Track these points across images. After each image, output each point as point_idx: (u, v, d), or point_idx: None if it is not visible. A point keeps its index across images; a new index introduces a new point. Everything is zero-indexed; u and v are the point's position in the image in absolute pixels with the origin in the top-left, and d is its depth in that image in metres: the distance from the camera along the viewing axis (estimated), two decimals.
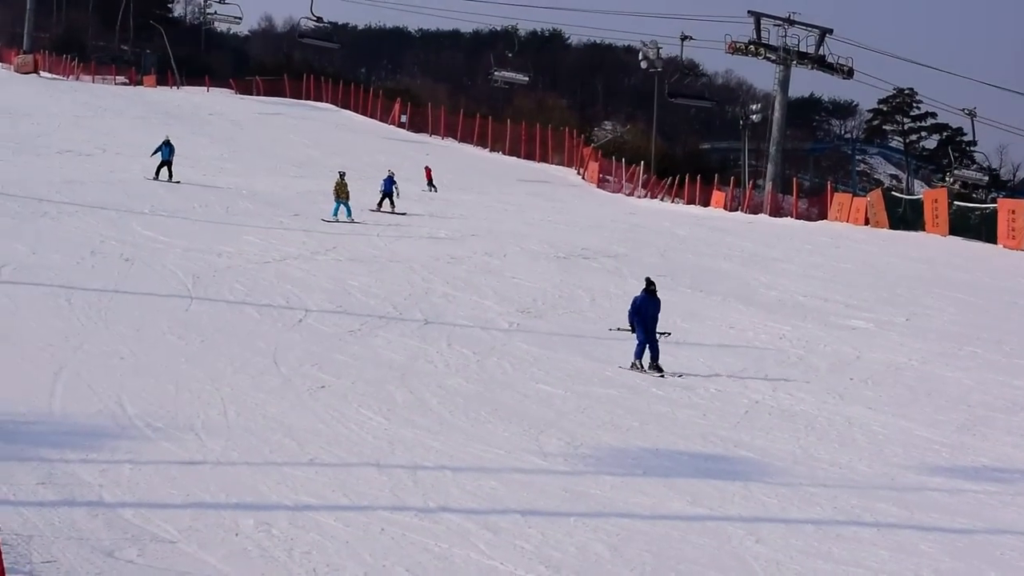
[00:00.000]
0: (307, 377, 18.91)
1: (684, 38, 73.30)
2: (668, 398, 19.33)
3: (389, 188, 41.82)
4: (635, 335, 21.60)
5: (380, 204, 41.62)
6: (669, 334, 22.17)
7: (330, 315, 24.09)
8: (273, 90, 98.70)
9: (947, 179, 74.95)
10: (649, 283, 22.13)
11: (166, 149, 44.14)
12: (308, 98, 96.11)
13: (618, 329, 22.43)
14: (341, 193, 38.64)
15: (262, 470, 13.90)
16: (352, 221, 37.76)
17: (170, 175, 43.73)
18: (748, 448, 16.57)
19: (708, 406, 18.98)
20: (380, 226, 37.58)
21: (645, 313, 21.60)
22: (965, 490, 15.12)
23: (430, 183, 51.65)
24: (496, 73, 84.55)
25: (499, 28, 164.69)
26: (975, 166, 76.19)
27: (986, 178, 78.62)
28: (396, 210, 41.45)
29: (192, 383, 17.80)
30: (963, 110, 70.72)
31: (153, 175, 43.67)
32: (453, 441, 15.80)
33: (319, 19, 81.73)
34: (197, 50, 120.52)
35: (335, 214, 38.15)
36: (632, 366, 21.23)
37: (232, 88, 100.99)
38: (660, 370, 21.03)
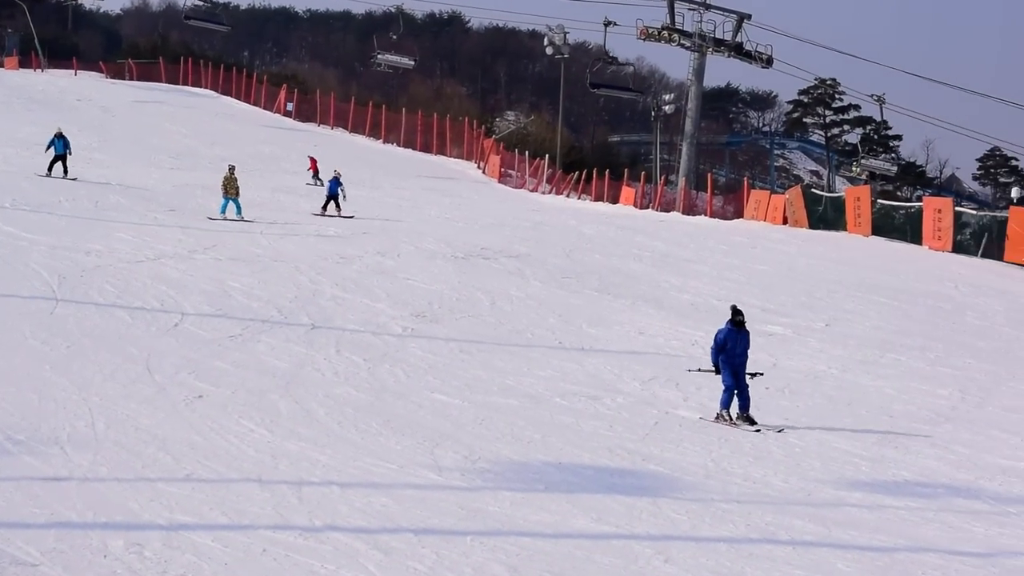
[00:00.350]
0: (183, 386, 18.79)
1: (607, 23, 73.59)
2: (572, 409, 19.43)
3: (335, 190, 41.33)
4: (720, 379, 19.24)
5: (325, 207, 41.16)
6: (761, 374, 19.96)
7: (209, 319, 23.95)
8: (147, 74, 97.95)
9: (854, 168, 76.10)
10: (736, 313, 19.36)
11: (59, 143, 43.44)
12: (186, 83, 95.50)
13: (699, 370, 20.76)
14: (230, 189, 38.16)
15: (133, 486, 13.80)
16: (242, 219, 37.40)
17: (65, 171, 43.20)
18: (657, 462, 16.71)
19: (615, 417, 19.11)
20: (263, 223, 37.38)
21: (732, 351, 19.02)
22: (886, 506, 15.35)
23: (316, 176, 51.61)
24: (379, 56, 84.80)
25: (392, 9, 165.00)
26: (884, 155, 77.04)
27: (895, 168, 79.30)
28: (343, 213, 40.94)
29: (57, 392, 17.62)
30: (872, 96, 71.86)
31: (46, 171, 42.96)
32: (341, 454, 15.79)
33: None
34: (64, 29, 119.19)
35: (223, 211, 37.80)
36: (717, 418, 19.11)
37: (102, 72, 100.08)
38: (753, 422, 18.88)
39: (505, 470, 15.71)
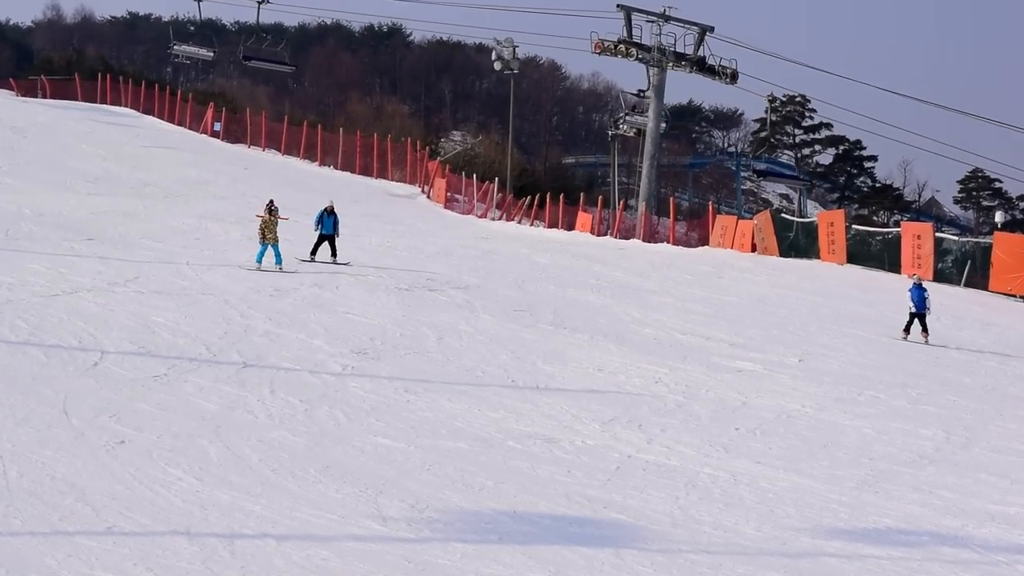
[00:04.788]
0: (104, 430, 18.65)
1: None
2: (527, 452, 19.40)
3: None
4: None
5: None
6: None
7: (131, 357, 23.81)
8: (62, 92, 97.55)
9: (620, 126, 75.39)
10: None
11: (328, 221, 38.07)
12: (104, 102, 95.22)
13: None
14: (268, 233, 35.61)
15: (50, 540, 13.68)
16: (281, 270, 35.23)
17: (333, 253, 37.69)
18: (620, 509, 16.69)
19: (573, 461, 19.09)
20: (189, 251, 37.23)
21: None
22: (867, 555, 15.37)
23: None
24: (176, 47, 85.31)
25: (328, 22, 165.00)
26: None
27: (665, 124, 76.08)
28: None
29: None
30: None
31: (309, 256, 37.77)
32: (277, 504, 15.71)
33: (265, 35, 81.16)
34: None
35: (259, 260, 35.51)
36: None
37: (12, 89, 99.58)
38: None
39: (455, 520, 15.65)
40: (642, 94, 75.71)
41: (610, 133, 78.54)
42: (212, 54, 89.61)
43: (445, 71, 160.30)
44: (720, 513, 16.83)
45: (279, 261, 35.43)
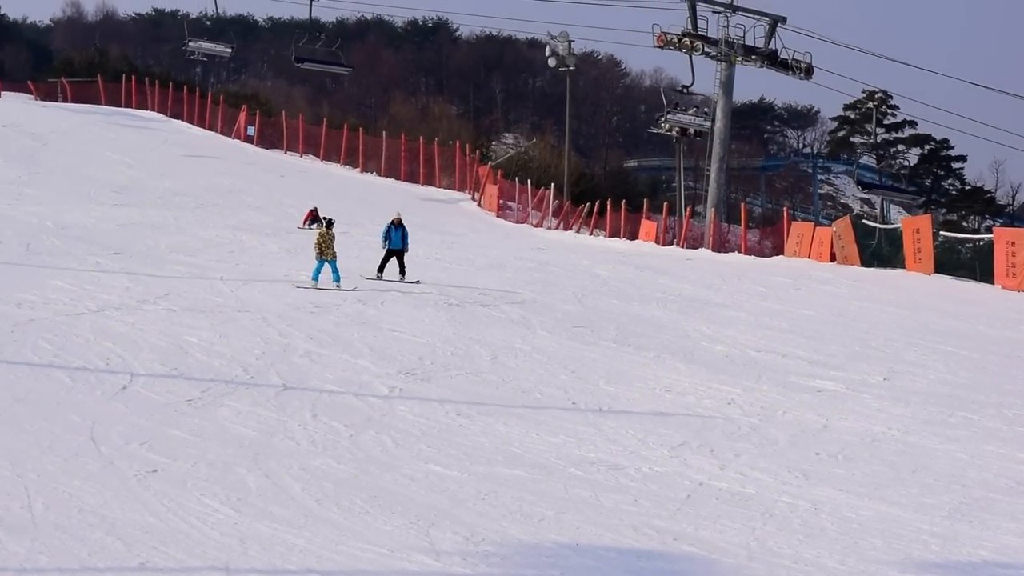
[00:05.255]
0: (134, 459, 18.77)
1: None
2: (590, 480, 19.40)
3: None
4: None
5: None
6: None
7: (162, 380, 23.95)
8: (84, 95, 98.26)
9: (662, 125, 75.37)
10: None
11: (396, 233, 38.00)
12: (129, 105, 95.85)
13: None
14: (327, 249, 35.69)
15: None
16: (338, 288, 35.33)
17: (401, 271, 37.87)
18: (691, 541, 16.68)
19: (640, 489, 19.09)
20: (223, 265, 37.42)
21: None
22: None
23: (312, 224, 50.58)
24: (191, 44, 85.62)
25: (369, 17, 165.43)
26: (695, 109, 75.85)
27: (707, 123, 76.02)
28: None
29: None
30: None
31: (376, 273, 38.12)
32: (321, 537, 15.77)
33: (319, 34, 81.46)
34: None
35: (316, 277, 35.60)
36: None
37: (30, 92, 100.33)
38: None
39: (513, 553, 15.68)
40: (686, 90, 75.92)
41: (674, 135, 78.21)
42: (230, 50, 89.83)
43: (495, 68, 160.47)
44: (800, 545, 16.79)
45: (337, 278, 35.38)
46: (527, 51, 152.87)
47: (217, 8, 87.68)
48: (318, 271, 35.62)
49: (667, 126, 74.99)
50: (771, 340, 31.42)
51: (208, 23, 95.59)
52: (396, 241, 37.68)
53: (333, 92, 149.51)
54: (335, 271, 35.57)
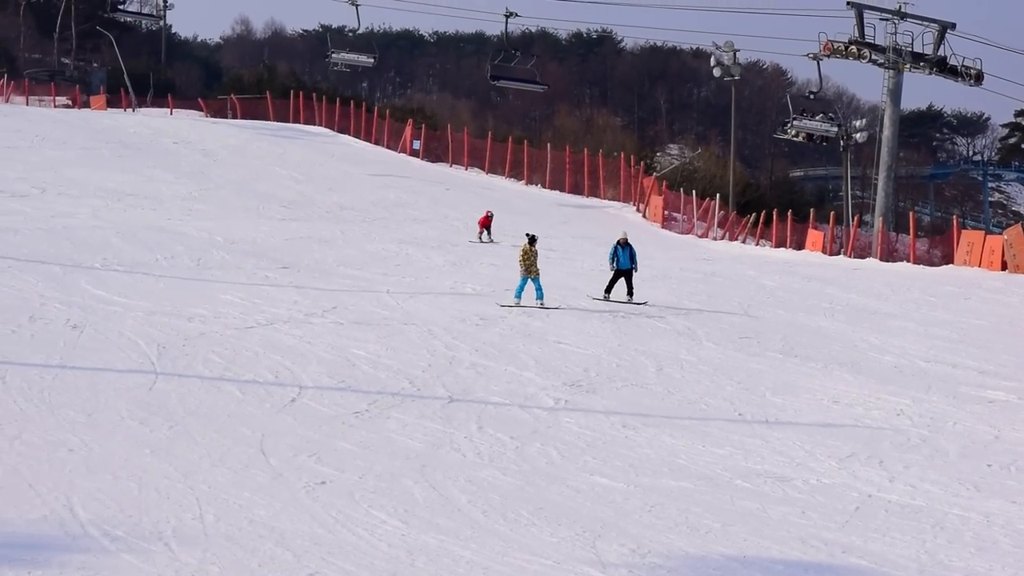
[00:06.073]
0: (303, 471, 18.97)
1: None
2: (757, 492, 19.30)
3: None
4: None
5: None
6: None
7: (330, 392, 24.19)
8: (253, 111, 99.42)
9: (788, 130, 75.00)
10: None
11: (623, 254, 36.94)
12: (297, 121, 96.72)
13: None
14: (531, 267, 34.92)
15: None
16: (542, 306, 34.64)
17: (629, 291, 36.70)
18: (860, 554, 16.53)
19: (808, 501, 18.95)
20: (390, 278, 37.69)
21: None
22: None
23: (487, 233, 50.80)
24: (335, 55, 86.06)
25: (533, 29, 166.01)
26: (821, 115, 75.18)
27: (835, 128, 75.68)
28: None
29: (159, 480, 17.88)
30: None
31: (603, 294, 36.97)
32: (488, 549, 15.82)
33: (514, 51, 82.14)
34: (156, 62, 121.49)
35: (519, 295, 35.03)
36: None
37: (201, 109, 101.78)
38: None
39: (680, 565, 15.64)
40: (812, 96, 75.99)
41: (842, 143, 77.63)
42: (372, 60, 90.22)
43: (659, 79, 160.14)
44: (972, 558, 16.57)
45: (540, 296, 34.82)
46: (691, 61, 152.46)
47: (359, 23, 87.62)
48: (521, 288, 35.06)
49: (793, 131, 75.25)
50: (940, 350, 31.04)
51: (350, 35, 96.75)
52: (624, 261, 36.44)
53: (498, 105, 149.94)
54: (538, 288, 34.85)
